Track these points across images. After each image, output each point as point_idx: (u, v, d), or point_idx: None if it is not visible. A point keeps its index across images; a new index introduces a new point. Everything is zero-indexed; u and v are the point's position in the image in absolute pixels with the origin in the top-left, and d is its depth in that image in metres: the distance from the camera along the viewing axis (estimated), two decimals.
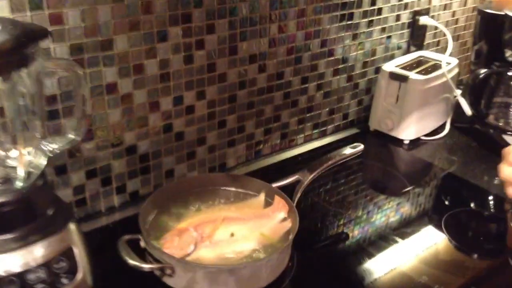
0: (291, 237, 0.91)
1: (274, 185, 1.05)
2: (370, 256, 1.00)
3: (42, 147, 0.77)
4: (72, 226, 0.80)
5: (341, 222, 1.10)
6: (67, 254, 0.78)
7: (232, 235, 0.94)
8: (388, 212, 1.15)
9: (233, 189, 1.07)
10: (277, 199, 1.02)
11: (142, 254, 0.88)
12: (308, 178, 1.05)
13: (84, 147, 1.00)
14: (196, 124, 1.16)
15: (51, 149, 0.78)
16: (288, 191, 1.03)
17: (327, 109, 1.43)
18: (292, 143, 1.39)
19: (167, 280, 0.87)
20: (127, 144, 1.06)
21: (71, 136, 0.78)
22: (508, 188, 0.91)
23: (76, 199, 1.04)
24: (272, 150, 1.35)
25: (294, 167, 1.31)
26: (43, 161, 0.77)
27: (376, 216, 1.13)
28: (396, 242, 1.03)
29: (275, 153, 1.36)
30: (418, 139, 1.45)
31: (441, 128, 1.50)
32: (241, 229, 0.96)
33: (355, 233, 1.07)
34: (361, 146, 1.14)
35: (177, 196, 1.03)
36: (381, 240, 1.04)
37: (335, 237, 1.07)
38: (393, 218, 1.12)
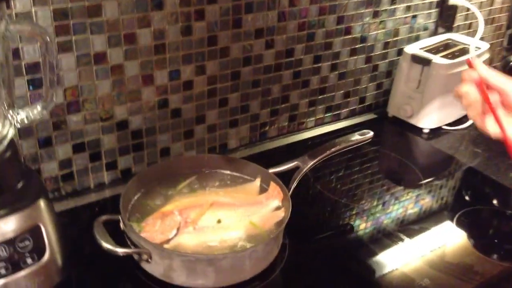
0: (280, 228, 0.84)
1: (271, 170, 0.97)
2: (370, 253, 0.91)
3: (9, 117, 0.71)
4: (41, 203, 0.74)
5: (344, 214, 1.02)
6: (34, 232, 0.73)
7: (219, 221, 0.87)
8: (397, 206, 1.05)
9: (228, 172, 1.00)
10: (272, 186, 0.94)
11: (122, 237, 0.82)
12: (308, 165, 0.96)
13: (70, 119, 0.95)
14: (195, 101, 1.08)
15: (18, 119, 0.72)
16: (286, 178, 0.95)
17: (342, 91, 1.33)
18: (302, 126, 1.31)
19: (145, 265, 0.82)
20: (118, 119, 1.00)
21: (39, 107, 0.72)
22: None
23: (62, 173, 0.99)
24: (279, 132, 1.27)
25: (302, 152, 1.23)
26: (10, 132, 0.71)
27: (383, 210, 1.04)
28: (401, 239, 0.94)
29: (282, 136, 1.27)
30: (439, 128, 1.34)
31: (466, 117, 1.38)
32: (230, 215, 0.88)
33: (357, 226, 0.98)
34: (370, 133, 1.04)
35: (167, 176, 0.97)
36: (384, 236, 0.96)
37: (334, 229, 0.99)
38: (401, 213, 1.03)
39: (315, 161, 0.98)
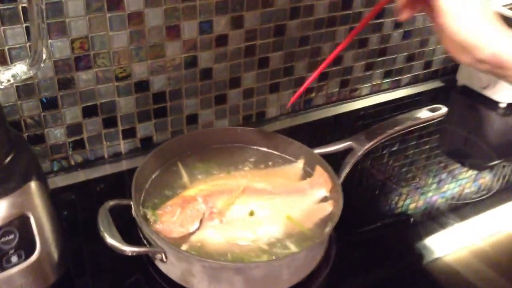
0: (328, 229, 0.67)
1: (318, 151, 0.79)
2: (425, 248, 0.74)
3: None
4: (32, 186, 0.60)
5: (400, 203, 0.84)
6: (21, 224, 0.58)
7: (251, 213, 0.71)
8: (458, 189, 0.87)
9: (265, 149, 0.83)
10: (318, 170, 0.77)
11: (135, 225, 0.68)
12: (364, 147, 0.78)
13: (79, 77, 0.79)
14: (229, 60, 0.90)
15: (3, 79, 0.56)
16: (335, 161, 0.78)
17: (405, 53, 1.12)
18: (355, 93, 1.11)
19: (159, 264, 0.67)
20: (137, 78, 0.84)
21: (23, 65, 0.55)
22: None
23: (71, 140, 0.84)
24: (327, 100, 1.08)
25: (352, 125, 1.05)
26: None
27: (447, 190, 0.85)
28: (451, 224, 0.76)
29: (330, 104, 1.09)
30: None
31: None
32: (265, 206, 0.72)
33: (420, 221, 0.80)
34: (443, 109, 0.84)
35: (192, 152, 0.81)
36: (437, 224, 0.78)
37: (389, 225, 0.81)
38: (462, 197, 0.84)
39: (372, 142, 0.79)
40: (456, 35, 0.53)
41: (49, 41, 0.74)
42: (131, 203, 0.68)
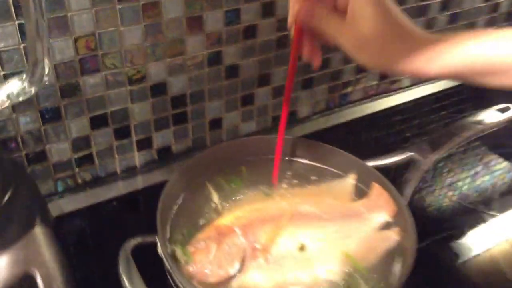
0: (400, 272, 0.55)
1: (372, 163, 0.67)
2: None
3: None
4: (38, 232, 0.47)
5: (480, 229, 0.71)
6: (25, 286, 0.46)
7: (301, 248, 0.59)
8: None
9: (306, 161, 0.71)
10: (376, 189, 0.64)
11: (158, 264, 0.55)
12: (430, 159, 0.66)
13: (86, 82, 0.66)
14: (258, 55, 0.77)
15: None
16: (392, 175, 0.66)
17: None
18: (394, 86, 0.98)
19: None
20: (153, 81, 0.70)
21: (20, 82, 0.42)
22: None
23: (77, 156, 0.71)
24: (364, 95, 0.95)
25: (394, 126, 0.92)
26: None
27: None
28: None
29: (367, 100, 0.96)
30: None
31: None
32: (317, 237, 0.60)
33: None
34: None
35: (220, 168, 0.68)
36: None
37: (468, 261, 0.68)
38: None
39: (439, 153, 0.66)
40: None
41: (50, 39, 0.60)
42: (157, 240, 0.56)
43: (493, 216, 0.72)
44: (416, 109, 0.96)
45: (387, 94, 0.97)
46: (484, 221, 0.71)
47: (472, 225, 0.71)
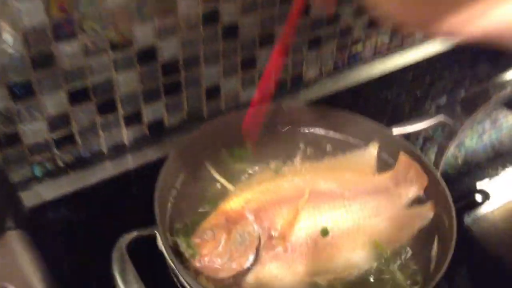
0: (438, 255, 0.47)
1: (397, 130, 0.59)
2: None
3: None
4: (12, 237, 0.39)
5: None
6: None
7: (324, 233, 0.51)
8: None
9: (321, 131, 0.62)
10: (403, 160, 0.56)
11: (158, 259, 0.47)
12: (462, 123, 0.57)
13: (61, 50, 0.56)
14: (260, 12, 0.67)
15: None
16: (418, 144, 0.58)
17: None
18: (406, 41, 0.89)
19: None
20: (140, 46, 0.61)
21: None
22: None
23: (56, 136, 0.62)
24: (375, 52, 0.86)
25: (408, 85, 0.83)
26: None
27: None
28: None
29: (379, 57, 0.87)
30: None
31: None
32: (340, 219, 0.52)
33: None
34: None
35: (222, 144, 0.59)
36: None
37: None
38: None
39: (472, 116, 0.58)
40: None
41: (13, 1, 0.50)
42: (156, 233, 0.47)
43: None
44: (431, 66, 0.87)
45: (399, 51, 0.88)
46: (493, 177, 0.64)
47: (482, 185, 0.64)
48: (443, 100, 0.75)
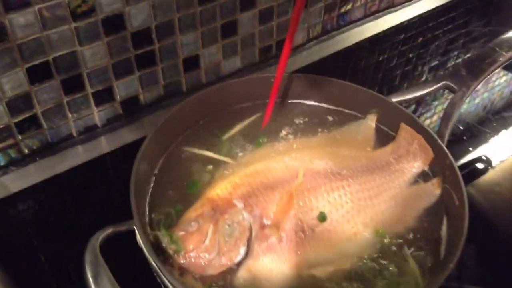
0: (449, 238, 0.43)
1: (397, 99, 0.53)
2: None
3: None
4: None
5: None
6: None
7: (322, 218, 0.45)
8: None
9: (313, 103, 0.56)
10: (405, 131, 0.51)
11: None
12: (469, 88, 0.52)
13: (13, 22, 0.48)
14: None
15: None
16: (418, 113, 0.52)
17: None
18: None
19: None
20: (105, 12, 0.54)
21: None
22: None
23: (17, 120, 0.55)
24: (365, 13, 0.79)
25: (401, 47, 0.78)
26: None
27: None
28: None
29: (368, 18, 0.80)
30: None
31: None
32: (338, 201, 0.47)
33: None
34: None
35: (205, 122, 0.53)
36: None
37: None
38: None
39: (479, 80, 0.53)
40: None
41: None
42: (134, 227, 0.42)
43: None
44: (423, 24, 0.81)
45: (389, 10, 0.82)
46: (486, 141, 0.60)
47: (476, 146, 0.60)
48: (440, 63, 0.70)
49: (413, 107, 0.63)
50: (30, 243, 0.51)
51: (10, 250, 0.49)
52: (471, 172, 0.59)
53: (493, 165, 0.59)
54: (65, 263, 0.48)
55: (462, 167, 0.57)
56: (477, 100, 0.69)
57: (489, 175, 0.59)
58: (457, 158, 0.58)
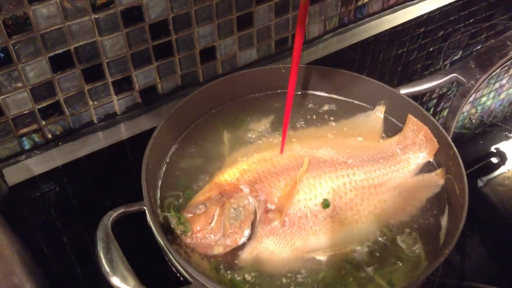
0: (448, 228, 0.44)
1: (405, 91, 0.54)
2: None
3: None
4: None
5: None
6: None
7: (325, 205, 0.47)
8: None
9: (323, 94, 0.58)
10: (412, 123, 0.52)
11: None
12: (477, 80, 0.52)
13: (37, 13, 0.51)
14: None
15: None
16: (430, 105, 0.53)
17: None
18: None
19: None
20: (124, 4, 0.56)
21: None
22: None
23: (40, 106, 0.58)
24: (383, 7, 0.80)
25: (419, 41, 0.78)
26: None
27: None
28: None
29: (386, 11, 0.80)
30: None
31: None
32: (342, 189, 0.48)
33: None
34: None
35: (217, 111, 0.55)
36: None
37: None
38: None
39: (488, 73, 0.53)
40: None
41: None
42: (144, 208, 0.44)
43: None
44: (443, 18, 0.81)
45: (408, 4, 0.82)
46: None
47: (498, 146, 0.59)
48: (462, 57, 0.70)
49: (434, 101, 0.63)
50: (52, 222, 0.54)
51: (33, 229, 0.53)
52: (485, 166, 0.59)
53: (510, 161, 0.59)
54: (84, 241, 0.51)
55: (476, 160, 0.58)
56: (502, 95, 0.68)
57: (502, 170, 0.59)
58: (474, 151, 0.58)
